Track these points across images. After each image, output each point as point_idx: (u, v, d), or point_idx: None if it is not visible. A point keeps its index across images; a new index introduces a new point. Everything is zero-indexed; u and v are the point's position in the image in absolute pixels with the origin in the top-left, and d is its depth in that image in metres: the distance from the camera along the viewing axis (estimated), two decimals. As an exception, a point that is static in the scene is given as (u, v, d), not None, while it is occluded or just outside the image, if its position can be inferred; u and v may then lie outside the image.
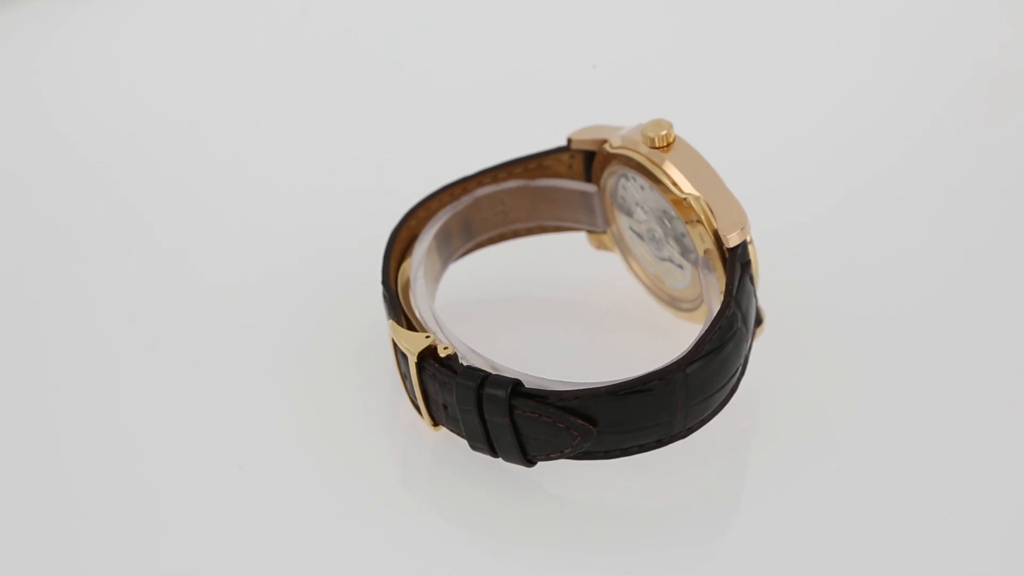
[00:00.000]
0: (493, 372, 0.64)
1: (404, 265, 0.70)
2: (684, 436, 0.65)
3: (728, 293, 0.64)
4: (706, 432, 0.67)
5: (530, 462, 0.65)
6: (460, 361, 0.65)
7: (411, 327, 0.67)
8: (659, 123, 0.67)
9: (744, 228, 0.65)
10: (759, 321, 0.68)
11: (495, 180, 0.73)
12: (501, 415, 0.63)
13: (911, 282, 0.76)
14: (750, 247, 0.66)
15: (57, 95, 0.90)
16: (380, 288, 0.69)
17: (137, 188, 0.83)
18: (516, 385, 0.63)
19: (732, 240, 0.65)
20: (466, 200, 0.73)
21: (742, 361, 0.66)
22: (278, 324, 0.74)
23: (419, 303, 0.68)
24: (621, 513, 0.66)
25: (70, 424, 0.68)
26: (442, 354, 0.65)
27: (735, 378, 0.65)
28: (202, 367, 0.72)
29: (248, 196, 0.83)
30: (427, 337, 0.65)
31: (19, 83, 0.90)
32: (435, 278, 0.72)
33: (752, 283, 0.66)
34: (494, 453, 0.65)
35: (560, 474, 0.66)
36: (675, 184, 0.66)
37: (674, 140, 0.67)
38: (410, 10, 0.97)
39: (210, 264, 0.78)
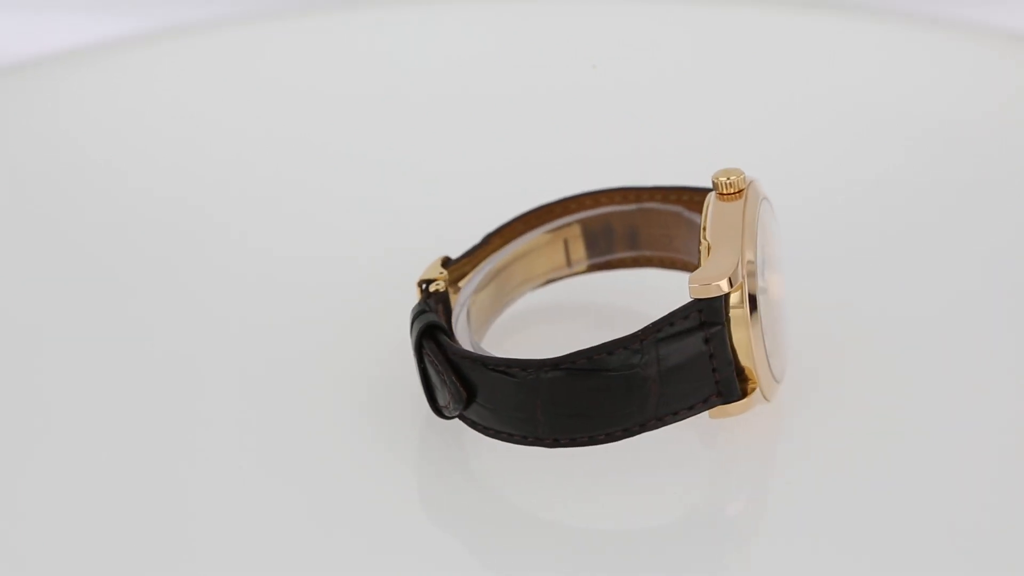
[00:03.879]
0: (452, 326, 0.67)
1: (534, 232, 0.73)
2: (551, 445, 0.64)
3: (644, 330, 0.62)
4: (708, 431, 0.67)
5: (439, 412, 0.67)
6: (436, 303, 0.68)
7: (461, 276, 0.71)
8: (727, 171, 0.66)
9: (709, 286, 0.62)
10: (727, 395, 0.63)
11: (665, 200, 0.73)
12: (417, 350, 0.66)
13: (918, 281, 0.76)
14: (744, 326, 0.63)
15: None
16: (400, 308, 0.71)
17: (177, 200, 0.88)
18: (433, 327, 0.66)
19: (691, 290, 0.62)
20: (632, 207, 0.73)
21: (641, 412, 0.63)
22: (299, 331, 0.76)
23: (486, 261, 0.72)
24: (617, 518, 0.65)
25: (69, 422, 0.71)
26: (431, 288, 0.69)
27: (629, 420, 0.63)
28: (208, 369, 0.74)
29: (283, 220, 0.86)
30: (440, 273, 0.70)
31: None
32: (569, 262, 0.74)
33: (715, 345, 0.62)
34: None
35: (575, 478, 0.66)
36: (704, 228, 0.65)
37: (742, 191, 0.66)
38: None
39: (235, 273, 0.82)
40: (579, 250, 0.74)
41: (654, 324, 0.62)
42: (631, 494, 0.66)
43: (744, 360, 0.63)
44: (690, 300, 0.62)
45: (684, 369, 0.63)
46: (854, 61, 0.96)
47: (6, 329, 0.78)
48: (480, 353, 0.65)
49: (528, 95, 0.95)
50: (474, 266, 0.72)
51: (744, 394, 0.64)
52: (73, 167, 0.91)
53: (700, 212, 0.70)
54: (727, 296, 0.62)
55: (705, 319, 0.62)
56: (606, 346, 0.62)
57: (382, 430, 0.69)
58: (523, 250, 0.73)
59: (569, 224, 0.74)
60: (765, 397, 0.65)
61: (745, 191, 0.65)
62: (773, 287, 0.69)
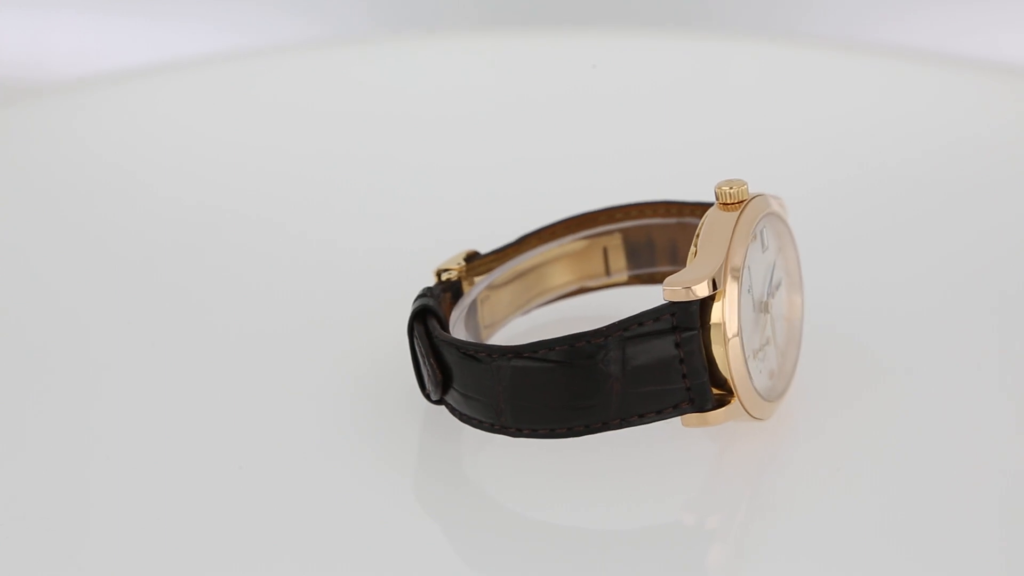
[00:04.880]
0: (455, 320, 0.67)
1: (571, 236, 0.73)
2: (514, 435, 0.63)
3: (610, 326, 0.61)
4: (717, 436, 0.66)
5: (428, 396, 0.67)
6: (444, 291, 0.69)
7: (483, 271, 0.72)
8: (729, 181, 0.64)
9: (683, 290, 0.60)
10: (699, 404, 0.62)
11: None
12: (409, 333, 0.66)
13: (917, 290, 0.77)
14: (720, 335, 0.61)
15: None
16: (399, 307, 0.71)
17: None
18: (425, 311, 0.66)
19: (664, 293, 0.61)
20: (673, 221, 0.72)
21: (604, 409, 0.62)
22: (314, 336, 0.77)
23: (514, 259, 0.72)
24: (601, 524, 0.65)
25: (72, 420, 0.72)
26: (441, 277, 0.70)
27: (590, 416, 0.62)
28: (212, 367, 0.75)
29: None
30: (457, 265, 0.70)
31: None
32: (608, 271, 0.73)
33: (687, 351, 0.61)
34: None
35: (574, 478, 0.66)
36: (697, 235, 0.64)
37: (742, 202, 0.64)
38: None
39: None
40: (619, 260, 0.73)
41: (622, 321, 0.61)
42: (626, 495, 0.65)
43: (722, 371, 0.61)
44: (664, 302, 0.61)
45: (651, 371, 0.61)
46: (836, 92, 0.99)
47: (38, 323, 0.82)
48: (456, 338, 0.65)
49: (534, 119, 0.98)
50: (501, 263, 0.72)
51: (720, 404, 0.62)
52: (125, 176, 0.97)
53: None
54: (705, 301, 0.61)
55: (678, 323, 0.61)
56: (569, 338, 0.61)
57: (380, 428, 0.69)
58: (557, 253, 0.73)
59: (610, 232, 0.73)
60: (749, 413, 0.63)
61: (746, 202, 0.64)
62: (787, 307, 0.68)
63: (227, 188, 0.94)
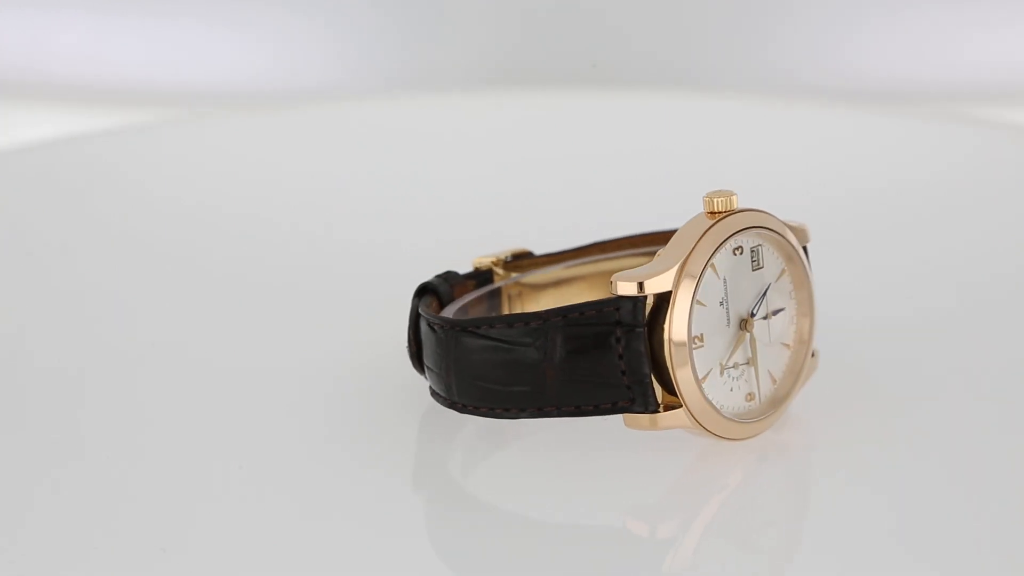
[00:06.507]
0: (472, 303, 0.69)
1: (633, 252, 0.72)
2: (460, 410, 0.63)
3: (549, 310, 0.61)
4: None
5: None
6: (468, 278, 0.70)
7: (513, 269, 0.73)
8: (719, 191, 0.62)
9: (634, 285, 0.60)
10: (640, 405, 0.60)
11: None
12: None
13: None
14: (671, 341, 0.60)
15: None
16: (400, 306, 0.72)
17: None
18: (423, 288, 0.67)
19: (612, 286, 0.60)
20: None
21: (538, 396, 0.61)
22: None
23: (565, 263, 0.72)
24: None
25: (72, 420, 0.73)
26: (472, 265, 0.71)
27: (525, 401, 0.62)
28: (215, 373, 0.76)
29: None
30: (492, 262, 0.71)
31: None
32: None
33: (627, 348, 0.60)
34: None
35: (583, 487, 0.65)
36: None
37: (728, 211, 0.62)
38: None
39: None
40: None
41: (564, 308, 0.60)
42: (628, 496, 0.63)
43: (671, 375, 0.60)
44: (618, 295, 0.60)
45: (587, 363, 0.60)
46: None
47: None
48: (428, 312, 0.65)
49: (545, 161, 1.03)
50: (548, 264, 0.71)
51: (665, 408, 0.61)
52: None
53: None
54: (660, 303, 0.60)
55: (621, 318, 0.60)
56: (508, 317, 0.61)
57: (378, 428, 0.70)
58: (613, 267, 0.72)
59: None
60: (702, 426, 0.61)
61: (730, 212, 0.62)
62: (793, 336, 0.65)
63: (229, 195, 1.00)
